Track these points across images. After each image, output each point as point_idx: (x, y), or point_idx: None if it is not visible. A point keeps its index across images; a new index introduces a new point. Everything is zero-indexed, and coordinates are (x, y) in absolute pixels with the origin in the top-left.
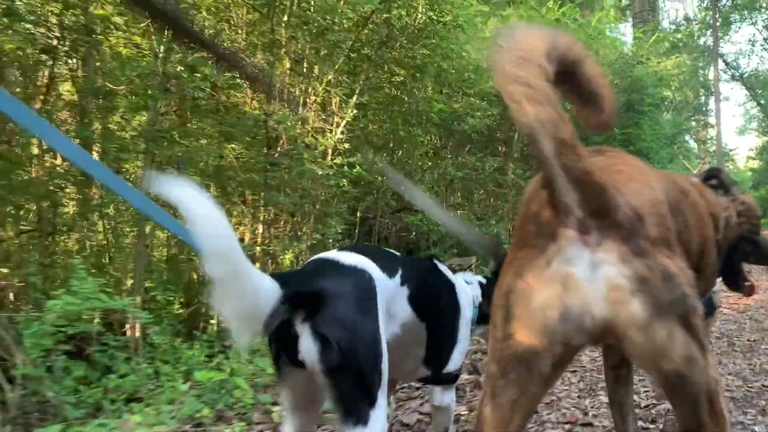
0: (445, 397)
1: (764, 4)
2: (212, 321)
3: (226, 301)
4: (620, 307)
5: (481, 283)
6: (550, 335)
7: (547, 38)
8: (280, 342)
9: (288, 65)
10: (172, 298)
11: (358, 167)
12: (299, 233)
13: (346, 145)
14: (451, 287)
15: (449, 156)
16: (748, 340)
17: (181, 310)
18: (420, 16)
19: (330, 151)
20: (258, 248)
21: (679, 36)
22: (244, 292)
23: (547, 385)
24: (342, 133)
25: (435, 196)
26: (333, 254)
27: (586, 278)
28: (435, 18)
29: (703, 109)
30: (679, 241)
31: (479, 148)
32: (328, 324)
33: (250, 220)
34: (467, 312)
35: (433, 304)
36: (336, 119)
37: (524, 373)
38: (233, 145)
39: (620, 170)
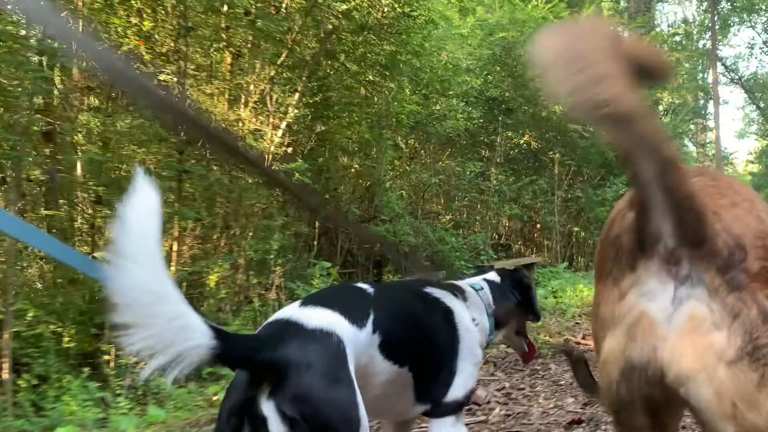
0: (443, 428)
1: (763, 7)
2: (108, 356)
3: (139, 328)
4: (697, 340)
5: (492, 283)
6: (619, 396)
7: (605, 32)
8: (247, 421)
9: (229, 59)
10: (59, 329)
11: (297, 174)
12: (235, 249)
13: (289, 150)
14: (446, 313)
15: (428, 161)
16: None
17: (72, 344)
18: (386, 9)
19: (269, 155)
20: (172, 268)
21: (677, 38)
22: (162, 318)
23: (666, 427)
24: (284, 135)
25: (408, 204)
26: (294, 312)
27: (665, 317)
28: (402, 11)
29: (702, 112)
30: None
31: (461, 152)
32: (294, 401)
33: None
34: (472, 336)
35: (416, 344)
36: (274, 120)
37: (630, 416)
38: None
39: (724, 194)
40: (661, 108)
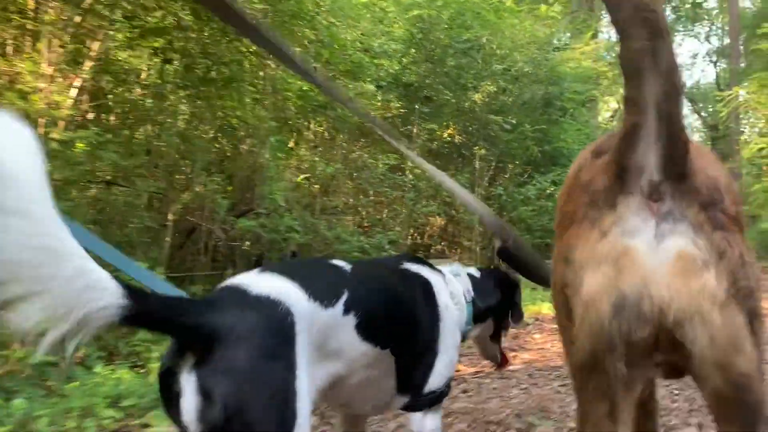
0: (428, 422)
1: (706, 16)
2: None
3: (34, 297)
4: (690, 279)
5: (473, 276)
6: (606, 335)
7: None
8: (164, 398)
9: None
10: None
11: (81, 144)
12: None
13: (90, 116)
14: (427, 288)
15: (341, 151)
16: None
17: None
18: None
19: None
20: None
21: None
22: (60, 279)
23: (634, 388)
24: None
25: (303, 197)
26: (247, 278)
27: (650, 251)
28: None
29: None
30: None
31: (377, 142)
32: (215, 374)
33: None
34: (452, 314)
35: (399, 322)
36: (62, 78)
37: (602, 381)
38: None
39: (697, 150)
40: (608, 114)
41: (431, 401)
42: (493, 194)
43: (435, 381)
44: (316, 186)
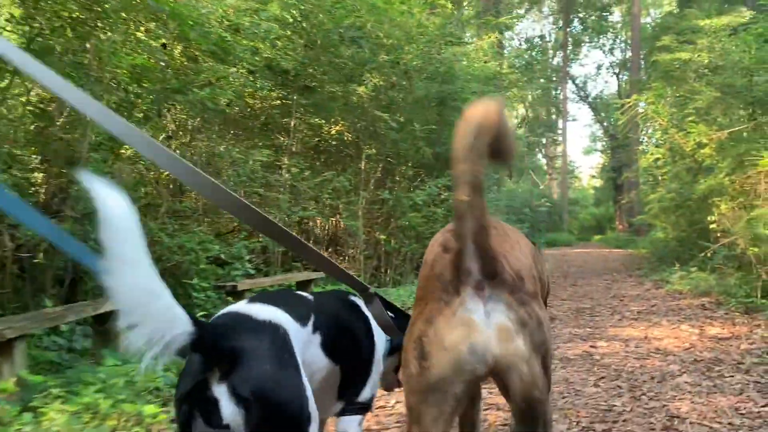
0: (352, 427)
1: (611, 29)
2: None
3: (140, 326)
4: (509, 343)
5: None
6: (461, 366)
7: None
8: (196, 406)
9: None
10: None
11: None
12: None
13: None
14: (366, 321)
15: (207, 143)
16: None
17: None
18: None
19: None
20: None
21: (533, 53)
22: (155, 313)
23: (459, 406)
24: None
25: (142, 197)
26: (245, 308)
27: (483, 323)
28: None
29: (553, 127)
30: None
31: (253, 135)
32: (248, 384)
33: None
34: (381, 344)
35: (348, 344)
36: None
37: (440, 397)
38: None
39: (506, 240)
40: (516, 120)
41: (360, 410)
42: (379, 198)
43: (365, 394)
44: (164, 185)
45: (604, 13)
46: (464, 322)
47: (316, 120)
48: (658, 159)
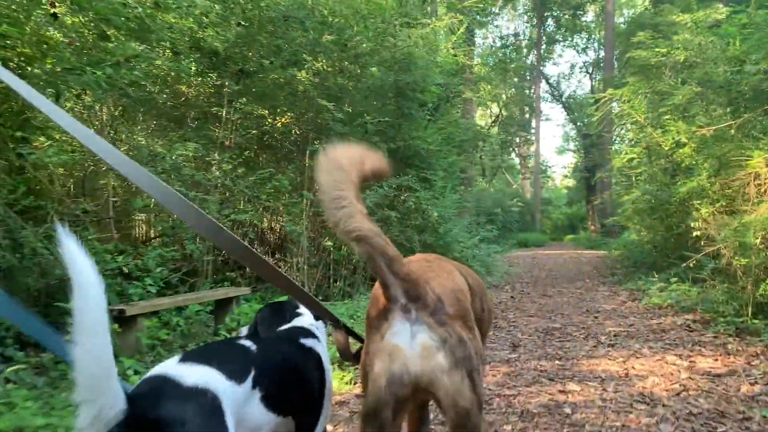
0: None
1: (585, 30)
2: None
3: (86, 398)
4: (430, 359)
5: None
6: (383, 397)
7: (345, 176)
8: None
9: None
10: None
11: None
12: None
13: None
14: (318, 360)
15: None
16: None
17: None
18: None
19: None
20: None
21: (506, 52)
22: (105, 394)
23: (394, 427)
24: None
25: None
26: (173, 370)
27: (408, 344)
28: None
29: (527, 126)
30: (475, 316)
31: (180, 127)
32: None
33: None
34: (330, 377)
35: (297, 394)
36: None
37: (376, 422)
38: None
39: (432, 270)
40: (491, 120)
41: None
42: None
43: (319, 429)
44: (61, 184)
45: (578, 12)
46: (389, 349)
47: (259, 110)
48: (632, 159)
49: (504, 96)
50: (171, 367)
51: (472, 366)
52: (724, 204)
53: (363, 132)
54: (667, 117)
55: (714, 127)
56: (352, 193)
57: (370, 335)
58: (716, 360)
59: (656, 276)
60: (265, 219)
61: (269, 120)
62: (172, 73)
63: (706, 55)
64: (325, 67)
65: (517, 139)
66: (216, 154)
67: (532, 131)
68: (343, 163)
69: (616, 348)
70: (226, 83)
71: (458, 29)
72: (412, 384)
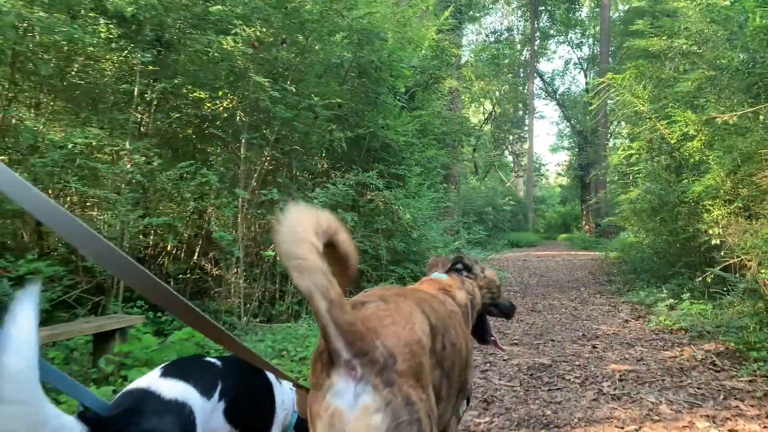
0: None
1: (579, 26)
2: None
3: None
4: (366, 421)
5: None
6: None
7: (314, 218)
8: None
9: None
10: None
11: None
12: None
13: None
14: (269, 387)
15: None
16: None
17: None
18: None
19: None
20: None
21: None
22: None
23: None
24: None
25: None
26: (155, 384)
27: (349, 407)
28: None
29: (521, 123)
30: (437, 358)
31: (84, 109)
32: None
33: None
34: (280, 413)
35: (249, 409)
36: None
37: None
38: None
39: (389, 315)
40: (484, 117)
41: None
42: (268, 200)
43: None
44: None
45: (573, 6)
46: (330, 411)
47: (186, 90)
48: (630, 155)
49: (497, 93)
50: (152, 381)
51: (420, 429)
52: (740, 205)
53: (312, 117)
54: (672, 106)
55: (736, 113)
56: (309, 248)
57: (314, 389)
58: (764, 427)
59: (663, 289)
60: (187, 223)
61: (208, 103)
62: (72, 43)
63: (716, 37)
64: (259, 34)
65: (511, 137)
66: (127, 143)
67: (526, 128)
68: (295, 228)
69: (623, 402)
70: (139, 55)
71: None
72: None
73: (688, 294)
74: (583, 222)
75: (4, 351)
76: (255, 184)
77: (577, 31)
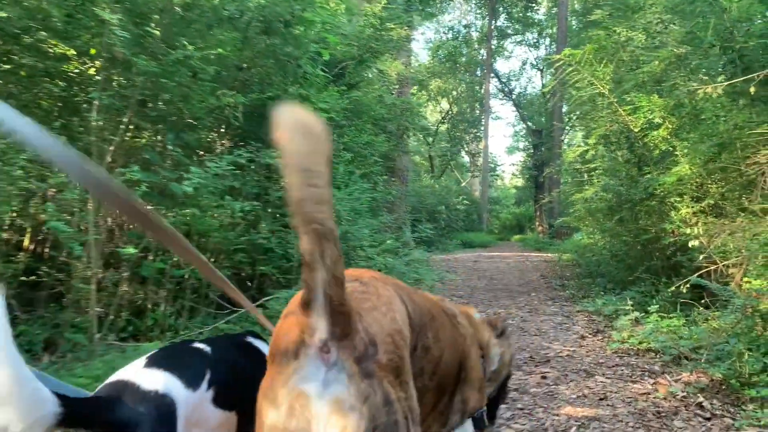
0: None
1: (537, 24)
2: None
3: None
4: (340, 420)
5: None
6: None
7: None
8: None
9: None
10: None
11: None
12: None
13: None
14: (264, 362)
15: None
16: None
17: None
18: None
19: None
20: None
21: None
22: (16, 392)
23: None
24: None
25: None
26: (136, 374)
27: (317, 396)
28: None
29: (477, 123)
30: (425, 361)
31: None
32: None
33: None
34: None
35: (243, 390)
36: None
37: None
38: None
39: (368, 299)
40: (440, 116)
41: None
42: (127, 181)
43: None
44: None
45: (530, 3)
46: (293, 396)
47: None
48: (586, 151)
49: (454, 92)
50: (134, 371)
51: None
52: (711, 202)
53: (190, 75)
54: (636, 91)
55: (721, 84)
56: (327, 175)
57: (273, 368)
58: None
59: (625, 298)
60: (13, 211)
61: (57, 48)
62: None
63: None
64: None
65: (467, 136)
66: None
67: (482, 128)
68: (319, 133)
69: None
70: None
71: None
72: None
73: (656, 306)
74: (537, 223)
75: None
76: (111, 160)
77: (534, 30)
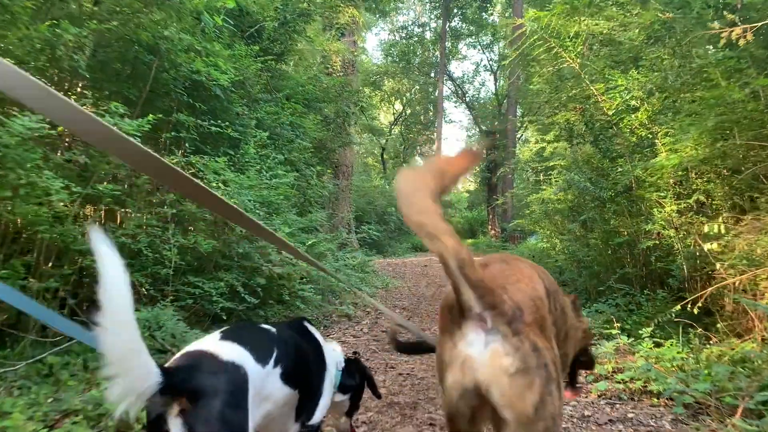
0: None
1: (491, 27)
2: None
3: (121, 377)
4: (497, 363)
5: (346, 359)
6: (456, 407)
7: (425, 181)
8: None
9: None
10: None
11: None
12: None
13: None
14: (318, 347)
15: None
16: None
17: None
18: None
19: None
20: None
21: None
22: (135, 368)
23: (482, 420)
24: None
25: None
26: (214, 346)
27: (480, 354)
28: None
29: (431, 125)
30: (554, 324)
31: None
32: (200, 421)
33: None
34: (332, 369)
35: (304, 370)
36: None
37: (458, 417)
38: None
39: (513, 274)
40: (392, 118)
41: (313, 430)
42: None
43: (317, 416)
44: None
45: (485, 4)
46: (462, 359)
47: None
48: (542, 149)
49: (408, 94)
50: (212, 343)
51: (546, 376)
52: (699, 198)
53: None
54: (609, 67)
55: (758, 24)
56: (430, 196)
57: (443, 339)
58: None
59: (613, 318)
60: None
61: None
62: None
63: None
64: None
65: (420, 138)
66: None
67: (435, 130)
68: (425, 180)
69: None
70: None
71: None
72: (481, 393)
73: (649, 329)
74: (489, 226)
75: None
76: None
77: (488, 32)
